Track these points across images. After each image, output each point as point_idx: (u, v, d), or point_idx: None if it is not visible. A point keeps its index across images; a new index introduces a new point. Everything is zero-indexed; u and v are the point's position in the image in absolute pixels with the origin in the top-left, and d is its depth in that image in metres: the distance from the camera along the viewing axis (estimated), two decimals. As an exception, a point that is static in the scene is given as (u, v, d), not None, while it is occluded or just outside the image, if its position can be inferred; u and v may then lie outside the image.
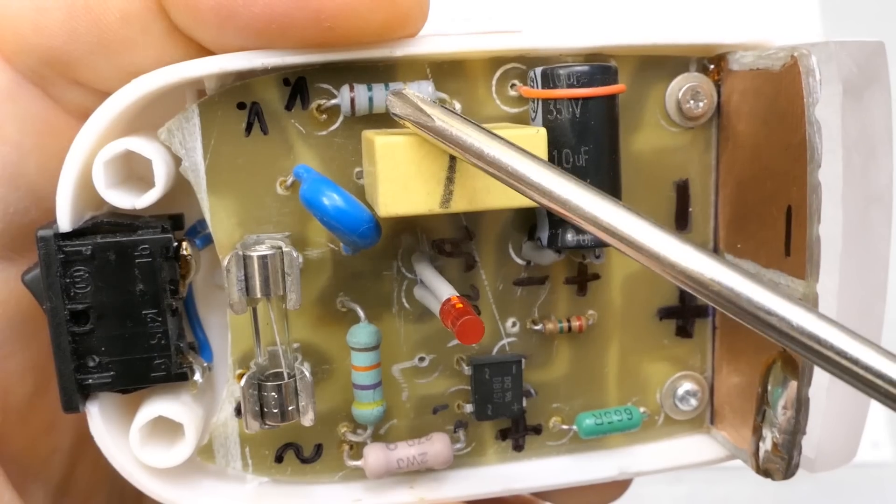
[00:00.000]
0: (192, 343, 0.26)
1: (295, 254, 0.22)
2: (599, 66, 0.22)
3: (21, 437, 0.25)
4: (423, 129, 0.20)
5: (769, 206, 0.23)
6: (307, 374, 0.23)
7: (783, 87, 0.22)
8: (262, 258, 0.22)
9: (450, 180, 0.21)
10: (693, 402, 0.27)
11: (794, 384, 0.23)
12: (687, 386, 0.27)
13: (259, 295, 0.22)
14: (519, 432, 0.27)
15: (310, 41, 0.22)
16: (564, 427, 0.26)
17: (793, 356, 0.23)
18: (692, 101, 0.25)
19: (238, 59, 0.22)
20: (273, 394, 0.23)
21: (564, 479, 0.26)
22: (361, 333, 0.24)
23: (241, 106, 0.23)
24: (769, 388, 0.24)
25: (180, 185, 0.25)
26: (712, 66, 0.25)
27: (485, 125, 0.20)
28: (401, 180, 0.21)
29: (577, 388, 0.27)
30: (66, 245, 0.22)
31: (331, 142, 0.24)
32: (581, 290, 0.26)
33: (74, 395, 0.22)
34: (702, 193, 0.26)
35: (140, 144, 0.22)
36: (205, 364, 0.25)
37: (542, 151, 0.21)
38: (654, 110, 0.25)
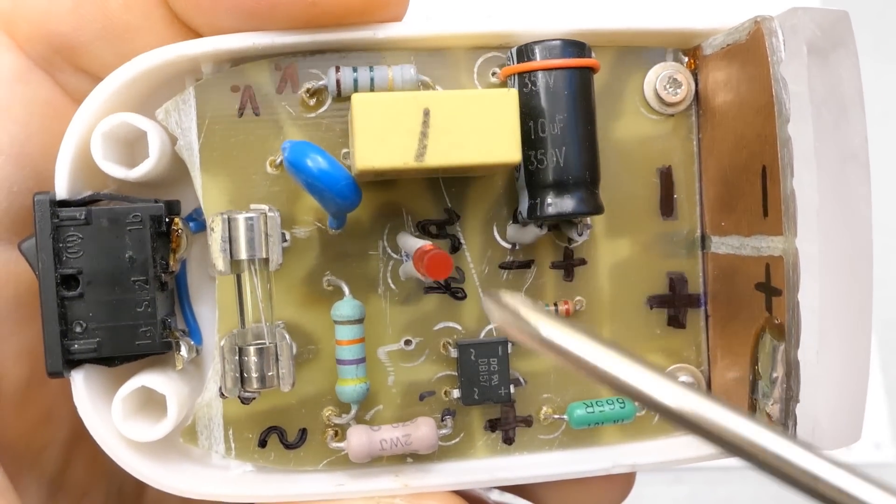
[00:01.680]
0: (184, 330, 0.26)
1: (277, 216, 0.23)
2: (572, 41, 0.23)
3: (16, 425, 0.25)
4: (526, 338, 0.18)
5: (747, 174, 0.23)
6: (287, 338, 0.23)
7: (751, 54, 0.23)
8: (248, 219, 0.22)
9: (424, 135, 0.21)
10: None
11: (782, 348, 0.22)
12: (682, 378, 0.26)
13: (244, 256, 0.22)
14: (509, 423, 0.26)
15: (297, 20, 0.23)
16: (556, 417, 0.26)
17: (780, 322, 0.22)
18: (670, 88, 0.26)
19: (231, 39, 0.24)
20: (254, 358, 0.23)
21: (554, 470, 0.25)
22: (345, 306, 0.24)
23: (234, 89, 0.24)
24: (759, 358, 0.23)
25: (175, 184, 0.26)
26: (687, 59, 0.26)
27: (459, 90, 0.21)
28: (376, 134, 0.21)
29: (567, 377, 0.26)
30: (62, 210, 0.23)
31: (319, 124, 0.25)
32: (568, 275, 0.26)
33: (58, 358, 0.23)
34: (686, 180, 0.26)
35: (137, 118, 0.23)
36: (192, 343, 0.25)
37: (514, 112, 0.22)
38: (633, 98, 0.26)
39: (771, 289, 0.22)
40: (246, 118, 0.24)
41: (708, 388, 0.27)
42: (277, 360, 0.23)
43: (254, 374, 0.23)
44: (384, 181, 0.25)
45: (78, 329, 0.23)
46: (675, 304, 0.26)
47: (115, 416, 0.23)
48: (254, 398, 0.24)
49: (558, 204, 0.23)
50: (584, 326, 0.19)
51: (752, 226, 0.23)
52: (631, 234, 0.26)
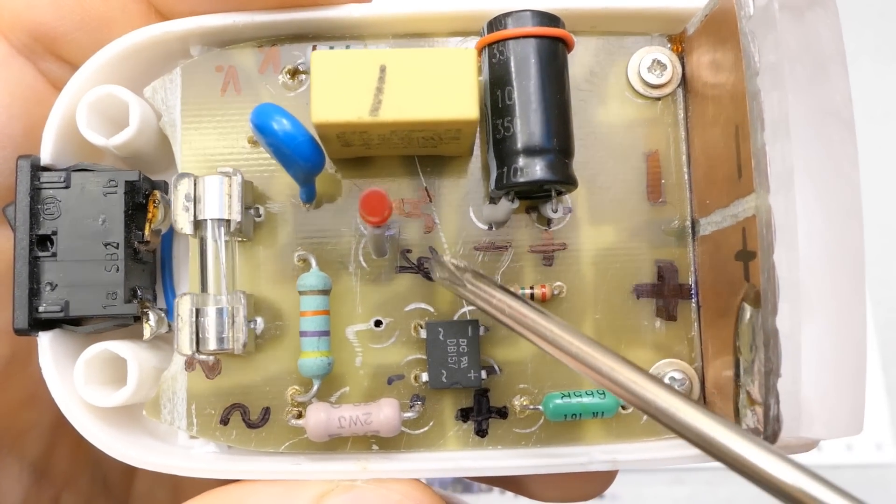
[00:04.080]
0: (164, 309, 0.26)
1: (240, 178, 0.23)
2: (541, 11, 0.23)
3: None
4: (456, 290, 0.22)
5: (724, 139, 0.22)
6: (243, 300, 0.23)
7: (723, 16, 0.22)
8: (212, 180, 0.23)
9: (379, 90, 0.21)
10: (679, 390, 0.24)
11: (759, 317, 0.20)
12: (672, 374, 0.24)
13: (205, 216, 0.23)
14: (482, 414, 0.24)
15: (273, 0, 0.24)
16: (532, 408, 0.24)
17: (756, 289, 0.21)
18: (655, 71, 0.25)
19: (215, 18, 0.25)
20: (213, 318, 0.22)
21: (525, 462, 0.23)
22: (310, 276, 0.24)
23: (218, 69, 0.25)
24: (739, 333, 0.21)
25: (168, 168, 0.27)
26: (672, 44, 0.26)
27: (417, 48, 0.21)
28: (332, 88, 0.21)
29: (546, 367, 0.25)
30: (43, 174, 0.24)
31: (299, 103, 0.25)
32: (547, 260, 0.25)
33: (25, 315, 0.23)
34: (674, 164, 0.25)
35: (120, 90, 0.24)
36: (163, 316, 0.25)
37: (471, 69, 0.22)
38: (618, 83, 0.26)
39: (747, 253, 0.21)
40: (227, 96, 0.25)
41: (701, 385, 0.24)
42: (234, 322, 0.22)
43: (208, 335, 0.22)
44: (359, 159, 0.25)
45: (48, 289, 0.23)
46: (663, 294, 0.25)
47: (76, 377, 0.23)
48: (213, 365, 0.23)
49: (526, 171, 0.23)
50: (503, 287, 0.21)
51: (730, 193, 0.22)
52: (616, 220, 0.25)
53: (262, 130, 0.22)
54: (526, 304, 0.21)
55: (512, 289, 0.24)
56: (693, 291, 0.25)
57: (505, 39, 0.23)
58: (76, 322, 0.24)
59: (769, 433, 0.20)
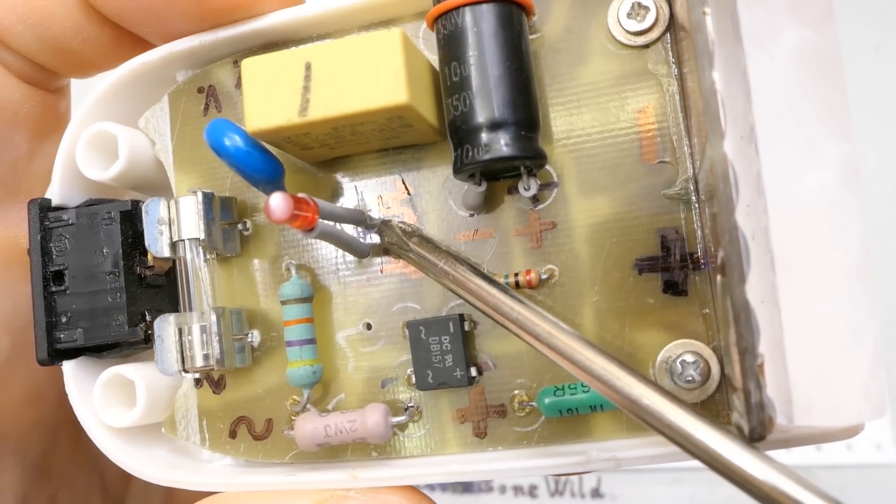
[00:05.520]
0: (182, 329, 0.27)
1: (200, 196, 0.23)
2: (486, -25, 0.21)
3: None
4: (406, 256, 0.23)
5: (694, 83, 0.19)
6: (214, 317, 0.23)
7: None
8: (187, 200, 0.23)
9: (306, 89, 0.21)
10: (693, 373, 0.21)
11: (726, 287, 0.17)
12: (684, 357, 0.21)
13: (182, 236, 0.23)
14: (478, 413, 0.23)
15: (189, 17, 0.24)
16: (530, 405, 0.22)
17: (722, 254, 0.17)
18: (638, 15, 0.22)
19: (183, 42, 0.25)
20: (196, 336, 0.23)
21: (519, 464, 0.22)
22: (288, 286, 0.23)
23: (200, 90, 0.26)
24: (717, 309, 0.18)
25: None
26: (660, -21, 0.22)
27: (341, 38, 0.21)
28: (262, 95, 0.21)
29: (543, 360, 0.22)
30: (52, 214, 0.25)
31: (274, 111, 0.25)
32: (535, 241, 0.23)
33: (45, 347, 0.25)
34: (672, 118, 0.22)
35: (110, 126, 0.25)
36: (175, 336, 0.26)
37: (397, 51, 0.20)
38: (598, 36, 0.23)
39: (714, 214, 0.18)
40: (210, 116, 0.26)
41: (721, 367, 0.21)
42: (212, 338, 0.23)
43: (189, 353, 0.23)
44: (337, 159, 0.24)
45: (63, 320, 0.25)
46: (669, 266, 0.22)
47: (95, 401, 0.25)
48: (217, 380, 0.24)
49: (484, 149, 0.21)
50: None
51: (702, 144, 0.19)
52: (610, 189, 0.22)
53: (214, 148, 0.22)
54: (471, 270, 0.21)
55: (496, 278, 0.23)
56: (704, 261, 0.22)
57: (448, 11, 0.21)
58: (97, 349, 0.25)
59: (755, 423, 0.17)
